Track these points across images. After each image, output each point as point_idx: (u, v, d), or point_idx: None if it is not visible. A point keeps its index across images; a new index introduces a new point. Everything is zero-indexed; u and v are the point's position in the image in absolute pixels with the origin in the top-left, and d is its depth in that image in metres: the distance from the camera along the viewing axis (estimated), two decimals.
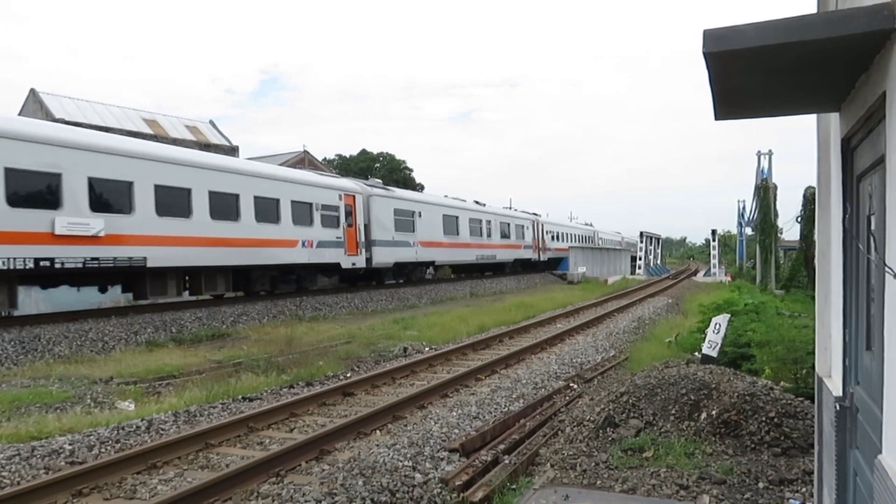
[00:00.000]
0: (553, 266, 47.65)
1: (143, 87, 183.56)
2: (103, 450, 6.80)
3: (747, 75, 2.76)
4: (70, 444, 6.79)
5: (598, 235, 71.37)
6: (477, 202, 37.86)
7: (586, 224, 79.31)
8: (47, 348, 12.70)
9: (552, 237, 48.19)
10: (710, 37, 2.47)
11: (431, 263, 31.39)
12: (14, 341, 12.47)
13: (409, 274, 29.16)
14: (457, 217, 32.12)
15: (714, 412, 6.95)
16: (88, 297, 17.80)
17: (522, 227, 41.25)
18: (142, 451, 6.40)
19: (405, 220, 27.48)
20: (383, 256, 25.77)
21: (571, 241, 53.33)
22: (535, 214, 46.80)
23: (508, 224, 38.47)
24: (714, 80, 2.84)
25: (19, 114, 33.23)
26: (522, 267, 42.05)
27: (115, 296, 18.71)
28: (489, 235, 35.73)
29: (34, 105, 35.19)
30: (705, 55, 2.52)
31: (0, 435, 7.20)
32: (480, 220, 34.61)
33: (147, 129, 36.89)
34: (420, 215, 28.49)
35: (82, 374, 10.96)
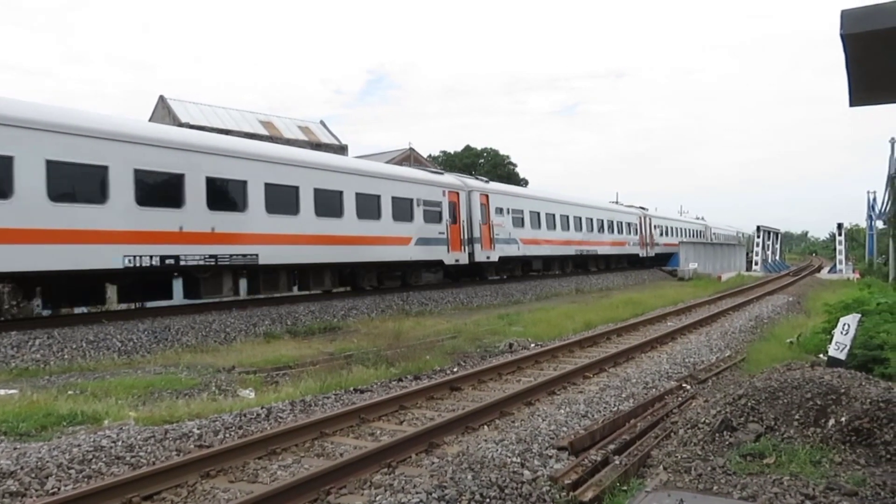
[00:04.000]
0: (662, 262, 46.50)
1: (259, 91, 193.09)
2: (228, 435, 7.22)
3: (891, 57, 2.56)
4: (198, 429, 7.24)
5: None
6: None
7: (698, 218, 76.63)
8: (176, 338, 13.61)
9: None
10: (849, 17, 2.30)
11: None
12: (147, 331, 13.45)
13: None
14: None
15: (843, 419, 6.50)
16: None
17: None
18: (262, 438, 6.74)
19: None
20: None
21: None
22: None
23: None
24: (851, 64, 2.64)
25: (150, 118, 35.77)
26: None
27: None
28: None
29: (163, 110, 37.77)
30: (843, 37, 2.35)
31: (137, 418, 7.79)
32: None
33: (263, 131, 38.77)
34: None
35: (207, 363, 11.67)
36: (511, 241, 27.65)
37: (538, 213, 30.17)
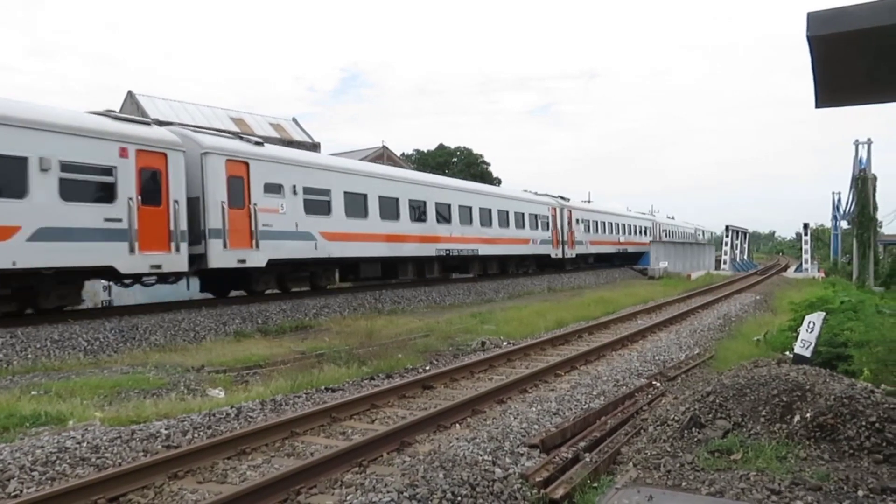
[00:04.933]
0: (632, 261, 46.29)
1: (232, 88, 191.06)
2: (196, 435, 7.12)
3: (855, 59, 2.60)
4: (166, 429, 7.14)
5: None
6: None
7: (668, 217, 76.10)
8: (144, 337, 13.39)
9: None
10: (815, 19, 2.34)
11: None
12: (114, 330, 13.21)
13: None
14: None
15: (808, 415, 6.62)
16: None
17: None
18: (232, 438, 6.66)
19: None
20: None
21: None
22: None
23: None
24: (817, 66, 2.69)
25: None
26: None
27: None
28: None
29: (131, 106, 37.12)
30: (809, 38, 2.38)
31: (103, 418, 7.64)
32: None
33: (234, 128, 38.31)
34: None
35: (176, 363, 11.51)
36: (301, 236, 18.10)
37: (363, 196, 20.69)
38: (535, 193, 35.69)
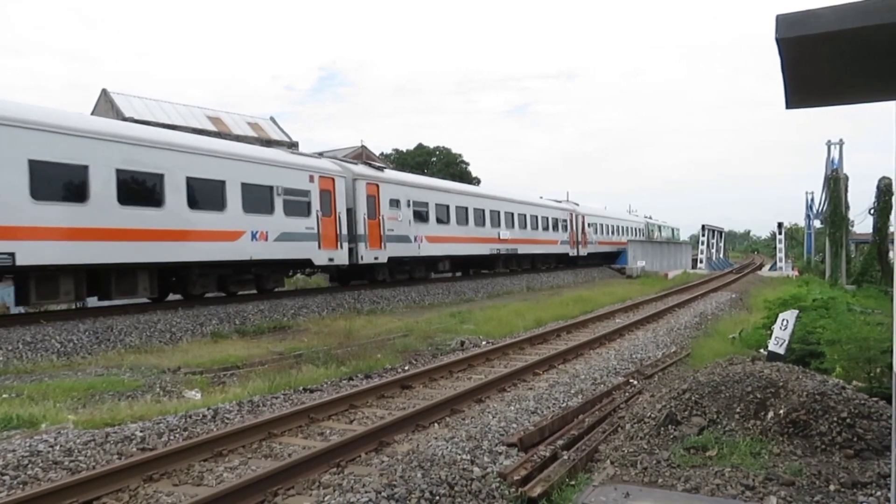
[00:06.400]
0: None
1: (208, 86, 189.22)
2: (172, 437, 7.05)
3: (823, 61, 2.65)
4: (141, 431, 7.06)
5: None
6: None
7: (647, 217, 74.67)
8: (119, 338, 13.22)
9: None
10: (784, 21, 2.37)
11: None
12: (88, 331, 13.03)
13: None
14: None
15: (782, 411, 6.72)
16: None
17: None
18: (208, 440, 6.60)
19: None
20: None
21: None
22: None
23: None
24: (787, 67, 2.72)
25: (92, 113, 34.64)
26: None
27: None
28: None
29: (105, 105, 36.63)
30: (778, 41, 2.41)
31: (76, 421, 7.54)
32: None
33: (211, 127, 37.97)
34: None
35: (152, 364, 11.38)
36: None
37: None
38: (292, 152, 22.41)
